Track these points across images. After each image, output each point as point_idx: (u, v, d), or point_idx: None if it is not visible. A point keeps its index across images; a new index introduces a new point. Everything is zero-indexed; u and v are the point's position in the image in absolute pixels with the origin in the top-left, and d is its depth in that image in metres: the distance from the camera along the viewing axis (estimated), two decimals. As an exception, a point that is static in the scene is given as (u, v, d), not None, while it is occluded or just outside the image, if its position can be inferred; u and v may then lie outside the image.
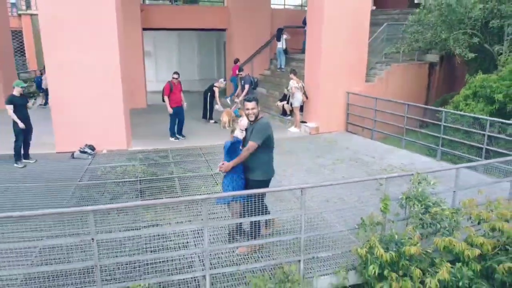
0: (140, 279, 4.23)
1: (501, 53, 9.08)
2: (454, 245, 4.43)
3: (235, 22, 15.89)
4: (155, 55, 20.52)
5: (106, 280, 4.21)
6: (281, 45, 15.52)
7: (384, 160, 8.84)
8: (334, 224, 5.50)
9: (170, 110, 10.31)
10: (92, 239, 3.89)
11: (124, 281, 4.28)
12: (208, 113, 12.66)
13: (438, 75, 12.74)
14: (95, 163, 8.78)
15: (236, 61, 14.96)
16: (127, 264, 4.60)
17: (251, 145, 4.73)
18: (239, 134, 4.95)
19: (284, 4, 17.77)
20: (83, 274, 4.36)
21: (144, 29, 14.86)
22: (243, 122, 4.96)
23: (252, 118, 4.86)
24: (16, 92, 8.17)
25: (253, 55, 15.92)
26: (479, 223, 4.86)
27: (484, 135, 7.75)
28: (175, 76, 10.56)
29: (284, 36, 15.50)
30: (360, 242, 4.70)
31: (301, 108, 11.64)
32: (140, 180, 7.69)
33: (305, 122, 11.70)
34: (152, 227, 5.56)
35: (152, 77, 19.41)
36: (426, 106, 10.07)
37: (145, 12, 14.58)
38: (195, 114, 12.89)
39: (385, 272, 4.45)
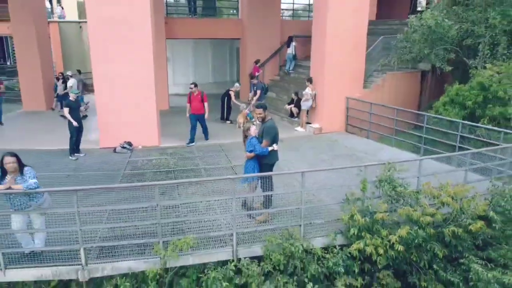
0: (187, 234, 6.00)
1: (474, 67, 10.69)
2: (412, 214, 6.13)
3: (248, 33, 17.65)
4: (172, 60, 22.33)
5: (163, 234, 5.98)
6: (291, 50, 17.33)
7: (375, 156, 10.49)
8: (326, 201, 7.21)
9: (187, 115, 11.80)
10: (157, 204, 5.68)
11: (176, 235, 6.06)
12: (225, 115, 14.43)
13: (429, 82, 14.28)
14: (134, 156, 10.61)
15: (257, 61, 16.75)
16: (178, 224, 6.39)
17: (265, 143, 6.52)
18: (253, 132, 6.69)
19: (293, 16, 19.45)
20: (146, 230, 6.16)
21: (166, 38, 16.69)
22: (252, 130, 6.63)
23: (260, 121, 6.68)
24: (72, 97, 10.03)
25: (264, 62, 17.64)
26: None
27: (457, 135, 9.39)
28: (191, 86, 11.74)
29: (293, 43, 17.29)
30: (345, 212, 6.41)
31: (307, 111, 13.34)
32: (173, 170, 9.48)
33: (310, 123, 13.41)
34: (193, 199, 7.31)
35: (170, 81, 21.24)
36: (411, 111, 11.67)
37: (169, 25, 16.40)
38: (213, 116, 14.65)
39: (362, 233, 6.17)
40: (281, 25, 18.28)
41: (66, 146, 10.38)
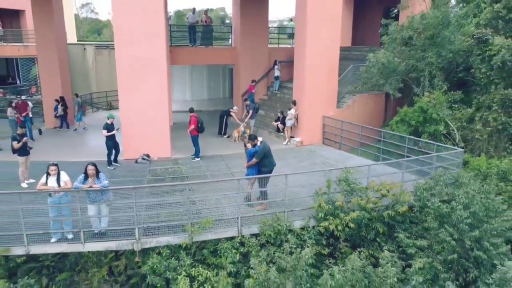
0: (203, 219, 8.69)
1: (417, 94, 13.74)
2: (360, 202, 8.97)
3: (240, 59, 20.53)
4: (172, 79, 25.03)
5: (191, 218, 8.66)
6: (276, 73, 20.31)
7: (344, 163, 13.26)
8: (303, 195, 9.99)
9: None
10: (188, 197, 8.42)
11: (199, 219, 8.76)
12: (223, 130, 17.23)
13: (392, 103, 17.28)
14: (152, 166, 13.27)
15: (253, 81, 19.60)
16: (200, 211, 9.10)
17: (254, 161, 9.34)
18: (250, 147, 9.49)
19: (278, 44, 22.43)
20: (176, 217, 8.85)
21: (171, 65, 19.44)
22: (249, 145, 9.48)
23: (250, 147, 9.45)
24: (109, 121, 12.65)
25: (257, 82, 20.51)
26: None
27: (405, 147, 12.34)
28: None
29: (276, 66, 20.27)
30: (315, 203, 9.21)
31: (290, 127, 16.21)
32: (186, 176, 12.17)
33: (293, 137, 16.27)
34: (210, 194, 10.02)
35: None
36: (372, 127, 14.55)
37: (173, 53, 19.18)
38: (212, 131, 17.40)
39: (327, 217, 8.97)
40: (269, 51, 21.23)
41: (95, 158, 12.94)
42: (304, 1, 14.71)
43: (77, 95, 19.36)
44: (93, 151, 14.51)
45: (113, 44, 23.76)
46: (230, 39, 21.31)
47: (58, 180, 8.01)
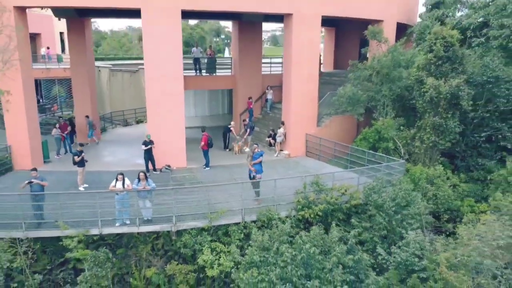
0: (218, 210, 12.68)
1: (375, 118, 17.96)
2: (326, 198, 13.04)
3: (239, 84, 24.66)
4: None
5: (210, 209, 12.65)
6: (268, 96, 24.47)
7: (320, 171, 17.34)
8: (287, 193, 13.99)
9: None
10: (208, 194, 12.45)
11: (215, 209, 12.76)
12: (225, 144, 21.30)
13: (362, 122, 21.40)
14: (173, 174, 17.23)
15: (250, 98, 23.68)
16: (215, 204, 13.11)
17: (259, 159, 13.43)
18: (257, 151, 13.61)
19: (270, 71, 26.60)
20: (201, 208, 12.85)
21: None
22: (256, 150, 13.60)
23: (257, 151, 13.56)
24: (146, 138, 16.60)
25: (252, 101, 24.62)
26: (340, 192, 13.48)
27: (365, 159, 16.45)
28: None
29: (269, 90, 24.43)
30: (295, 199, 13.25)
31: (280, 143, 20.31)
32: (200, 182, 16.16)
33: (282, 150, 20.36)
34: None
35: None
36: (342, 143, 18.63)
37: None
38: (216, 144, 21.39)
39: (304, 208, 13.03)
40: (262, 78, 25.40)
41: (126, 168, 16.84)
42: (290, 48, 18.96)
43: (87, 117, 22.81)
44: (121, 162, 18.45)
45: (125, 66, 27.98)
46: (230, 68, 25.43)
47: (123, 183, 11.98)
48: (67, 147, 20.37)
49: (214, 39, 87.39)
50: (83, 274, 11.45)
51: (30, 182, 11.98)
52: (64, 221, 11.78)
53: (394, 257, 10.50)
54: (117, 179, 12.05)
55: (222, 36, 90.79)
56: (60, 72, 32.88)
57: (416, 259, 10.28)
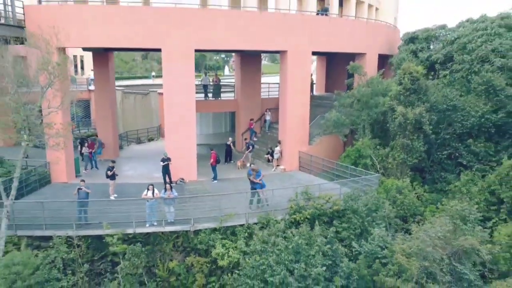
0: (227, 214, 15.90)
1: (356, 139, 21.36)
2: (314, 204, 16.28)
3: (240, 107, 28.10)
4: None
5: (220, 213, 15.86)
6: (267, 117, 27.90)
7: (312, 182, 20.60)
8: (283, 201, 17.22)
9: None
10: (219, 202, 15.69)
11: (226, 213, 15.98)
12: (228, 158, 24.62)
13: (348, 141, 24.73)
14: (187, 186, 20.45)
15: (251, 119, 27.11)
16: (225, 209, 16.35)
17: (261, 177, 16.74)
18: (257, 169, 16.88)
19: (269, 95, 30.12)
20: (213, 212, 16.09)
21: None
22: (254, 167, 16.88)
23: (257, 169, 16.87)
24: (164, 155, 19.89)
25: (253, 121, 27.99)
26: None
27: (348, 172, 19.73)
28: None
29: (268, 112, 27.88)
30: (289, 205, 16.49)
31: (277, 159, 23.61)
32: (210, 192, 19.36)
33: (279, 165, 23.66)
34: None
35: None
36: (329, 160, 21.92)
37: (192, 104, 26.65)
38: (223, 160, 24.67)
39: (295, 212, 16.25)
40: (261, 101, 28.87)
41: (145, 181, 20.06)
42: (285, 79, 22.48)
43: (96, 136, 25.93)
44: (140, 176, 21.69)
45: (135, 87, 31.34)
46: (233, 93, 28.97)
47: (153, 193, 15.24)
48: (93, 163, 23.60)
49: (214, 57, 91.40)
50: (123, 263, 14.60)
51: (79, 189, 15.24)
52: (107, 222, 14.99)
53: (363, 248, 13.72)
54: (148, 189, 15.30)
55: (222, 55, 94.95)
56: (75, 93, 36.20)
57: (379, 249, 13.50)
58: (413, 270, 12.47)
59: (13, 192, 13.97)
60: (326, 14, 24.71)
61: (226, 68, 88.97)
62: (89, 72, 39.88)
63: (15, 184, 14.09)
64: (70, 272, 14.49)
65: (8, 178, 16.86)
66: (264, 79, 32.46)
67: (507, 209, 16.30)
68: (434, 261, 12.57)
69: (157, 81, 59.93)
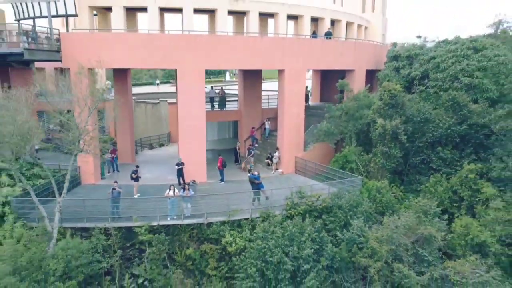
0: (234, 209, 19.23)
1: (345, 146, 24.73)
2: (307, 202, 19.61)
3: (243, 117, 31.48)
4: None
5: (229, 209, 19.19)
6: (266, 126, 31.31)
7: (304, 184, 23.89)
8: (281, 199, 20.55)
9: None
10: (227, 200, 19.05)
11: (232, 210, 19.34)
12: (236, 159, 27.99)
13: (338, 148, 28.06)
14: (198, 187, 23.77)
15: (253, 127, 30.52)
16: (232, 205, 19.72)
17: (258, 181, 20.14)
18: (257, 174, 20.25)
19: (268, 105, 33.52)
20: (223, 207, 19.45)
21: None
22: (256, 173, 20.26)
23: (256, 174, 20.26)
24: (178, 160, 23.25)
25: (254, 129, 31.35)
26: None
27: (336, 175, 23.06)
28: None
29: (267, 121, 31.27)
30: (285, 202, 19.83)
31: (275, 163, 26.95)
32: (219, 192, 22.68)
33: (277, 169, 27.00)
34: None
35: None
36: (321, 164, 25.26)
37: (200, 114, 30.02)
38: (229, 161, 27.99)
39: (291, 209, 19.59)
40: (262, 111, 32.26)
41: (161, 182, 23.40)
42: (283, 93, 25.87)
43: (114, 142, 29.37)
44: (157, 178, 25.05)
45: (144, 96, 34.76)
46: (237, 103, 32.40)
47: (173, 192, 18.59)
48: (115, 166, 26.94)
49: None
50: (150, 249, 17.93)
51: (113, 189, 18.59)
52: (137, 216, 18.34)
53: (345, 236, 17.07)
54: (169, 189, 18.66)
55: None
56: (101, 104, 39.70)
57: (357, 237, 16.84)
58: (382, 253, 15.80)
59: (65, 191, 17.33)
60: (329, 38, 28.12)
61: (227, 74, 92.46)
62: (103, 84, 43.12)
63: (66, 184, 17.46)
64: (108, 256, 17.82)
65: (48, 180, 20.26)
66: (264, 85, 35.83)
67: (466, 205, 19.67)
68: (400, 245, 15.91)
69: (162, 88, 63.49)
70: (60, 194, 17.15)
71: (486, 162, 21.06)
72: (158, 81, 72.39)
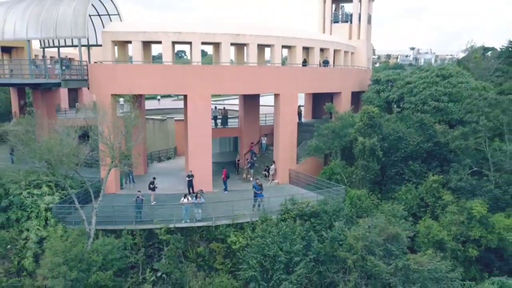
0: (237, 214, 23.07)
1: (332, 160, 28.66)
2: (298, 207, 23.47)
3: (243, 133, 35.46)
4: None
5: (233, 213, 23.03)
6: (263, 141, 35.29)
7: (297, 192, 27.79)
8: (276, 205, 24.39)
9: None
10: (232, 206, 22.92)
11: (236, 214, 23.17)
12: (237, 170, 31.89)
13: (327, 161, 31.96)
14: (205, 195, 27.57)
15: (252, 142, 34.47)
16: (237, 211, 23.58)
17: (258, 192, 24.05)
18: (259, 183, 24.17)
19: (265, 123, 37.56)
20: (228, 212, 23.29)
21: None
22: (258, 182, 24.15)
23: (259, 183, 24.19)
24: (189, 172, 27.10)
25: (253, 144, 35.26)
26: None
27: (324, 185, 26.96)
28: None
29: (264, 137, 35.26)
30: (280, 208, 23.68)
31: (272, 174, 30.84)
32: (224, 200, 26.50)
33: (274, 180, 30.89)
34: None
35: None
36: (311, 175, 29.14)
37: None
38: (230, 172, 31.83)
39: (284, 213, 23.44)
40: (260, 128, 36.26)
41: (173, 192, 27.18)
42: (278, 114, 29.91)
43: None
44: (169, 188, 28.90)
45: (152, 111, 38.37)
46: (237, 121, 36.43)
47: (187, 199, 22.42)
48: (131, 178, 30.71)
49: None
50: (168, 247, 21.68)
51: (138, 197, 22.41)
52: (157, 219, 22.14)
53: (328, 235, 20.94)
54: (184, 197, 22.51)
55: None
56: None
57: (338, 235, 20.70)
58: (358, 248, 19.64)
59: (100, 198, 21.12)
60: (326, 65, 32.35)
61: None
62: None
63: (102, 193, 21.27)
64: (134, 253, 21.57)
65: (79, 190, 24.08)
66: (262, 100, 39.82)
67: (430, 210, 23.64)
68: (372, 242, 19.77)
69: (163, 102, 67.52)
70: (96, 201, 20.94)
71: (448, 174, 25.07)
72: (159, 97, 76.11)
